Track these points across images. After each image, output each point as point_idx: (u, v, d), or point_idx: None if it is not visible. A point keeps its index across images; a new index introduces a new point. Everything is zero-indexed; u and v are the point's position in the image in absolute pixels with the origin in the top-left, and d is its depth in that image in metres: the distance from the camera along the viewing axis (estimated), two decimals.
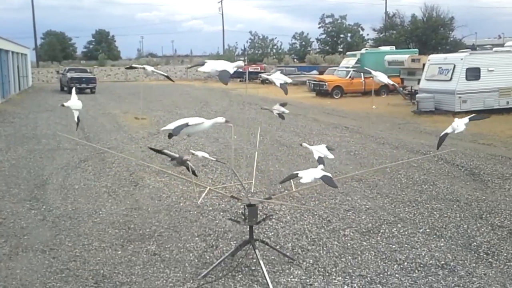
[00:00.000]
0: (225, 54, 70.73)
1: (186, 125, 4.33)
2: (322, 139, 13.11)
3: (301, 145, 5.48)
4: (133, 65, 5.58)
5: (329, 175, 4.36)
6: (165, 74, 5.50)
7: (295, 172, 4.56)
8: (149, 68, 5.22)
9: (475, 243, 5.88)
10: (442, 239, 6.00)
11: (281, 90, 5.51)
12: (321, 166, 4.62)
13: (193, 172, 5.05)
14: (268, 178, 8.99)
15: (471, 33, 63.82)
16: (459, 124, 4.85)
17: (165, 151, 5.17)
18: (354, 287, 4.80)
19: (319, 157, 5.04)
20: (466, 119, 4.91)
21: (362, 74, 27.78)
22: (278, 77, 5.41)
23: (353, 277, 5.00)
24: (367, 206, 7.32)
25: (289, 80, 5.58)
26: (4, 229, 6.50)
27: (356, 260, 5.41)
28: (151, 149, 5.73)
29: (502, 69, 18.46)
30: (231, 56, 70.80)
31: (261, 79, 43.51)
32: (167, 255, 5.60)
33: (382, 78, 5.23)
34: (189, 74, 56.01)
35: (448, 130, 4.91)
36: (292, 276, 5.02)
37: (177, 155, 4.98)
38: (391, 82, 5.37)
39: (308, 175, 4.37)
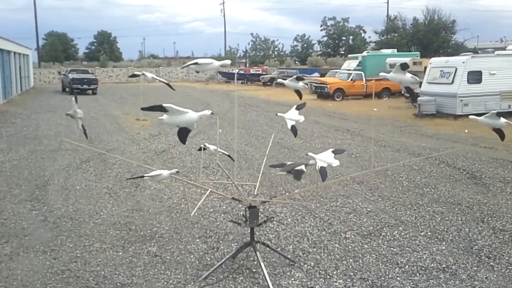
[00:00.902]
0: (226, 56, 70.82)
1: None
2: (324, 142, 13.11)
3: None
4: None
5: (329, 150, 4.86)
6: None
7: (322, 166, 4.66)
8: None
9: (476, 247, 5.87)
10: (444, 243, 5.99)
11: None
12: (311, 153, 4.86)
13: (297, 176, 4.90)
14: (269, 180, 8.99)
15: (473, 37, 63.74)
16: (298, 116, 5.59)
17: (287, 162, 5.23)
18: None
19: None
20: (293, 109, 5.68)
21: (363, 76, 27.78)
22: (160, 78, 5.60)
23: (354, 280, 4.99)
24: (368, 209, 7.31)
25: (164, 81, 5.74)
26: (5, 229, 6.51)
27: (357, 263, 5.41)
28: (272, 166, 5.83)
29: (504, 73, 18.44)
30: (233, 58, 70.89)
31: (263, 81, 43.76)
32: (168, 256, 5.60)
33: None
34: (190, 75, 56.07)
35: (290, 123, 5.58)
36: (293, 279, 5.02)
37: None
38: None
39: (329, 158, 4.69)
